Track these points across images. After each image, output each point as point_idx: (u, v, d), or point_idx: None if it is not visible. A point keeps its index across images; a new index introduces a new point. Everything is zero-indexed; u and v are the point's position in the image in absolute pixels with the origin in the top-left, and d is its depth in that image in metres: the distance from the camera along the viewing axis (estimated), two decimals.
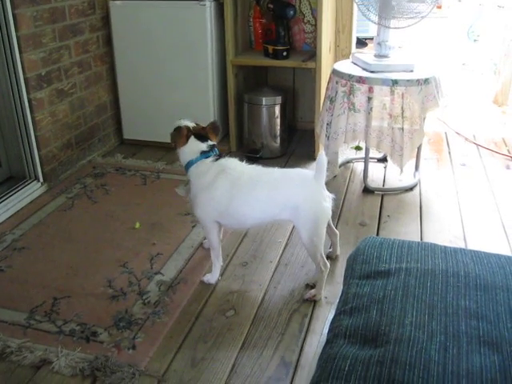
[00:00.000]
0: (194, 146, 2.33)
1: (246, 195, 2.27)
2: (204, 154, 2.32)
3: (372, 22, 3.10)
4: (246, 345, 2.08)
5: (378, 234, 2.84)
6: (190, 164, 2.34)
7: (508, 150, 3.95)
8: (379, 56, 3.20)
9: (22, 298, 2.34)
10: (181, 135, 2.32)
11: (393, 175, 3.51)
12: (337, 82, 3.15)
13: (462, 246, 2.71)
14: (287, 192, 2.26)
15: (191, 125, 2.35)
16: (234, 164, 2.33)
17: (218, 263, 2.47)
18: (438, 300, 1.38)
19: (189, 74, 3.73)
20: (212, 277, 2.46)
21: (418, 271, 1.50)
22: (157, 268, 2.54)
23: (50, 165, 3.39)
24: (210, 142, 2.35)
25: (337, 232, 2.60)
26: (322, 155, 2.19)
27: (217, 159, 2.32)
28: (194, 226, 2.88)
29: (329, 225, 2.46)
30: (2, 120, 3.18)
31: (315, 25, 3.75)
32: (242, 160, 2.39)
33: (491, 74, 5.99)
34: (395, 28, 3.08)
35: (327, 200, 2.26)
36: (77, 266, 2.57)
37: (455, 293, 1.40)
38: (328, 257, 2.54)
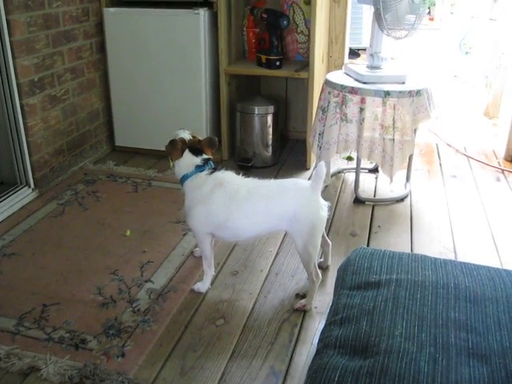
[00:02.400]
0: (188, 160, 2.32)
1: (244, 208, 2.27)
2: (199, 168, 2.32)
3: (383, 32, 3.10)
4: (235, 354, 2.08)
5: (368, 245, 2.85)
6: (185, 177, 2.34)
7: (498, 163, 3.98)
8: (372, 67, 3.22)
9: (11, 305, 2.32)
10: (175, 149, 2.31)
11: (384, 186, 3.52)
12: (329, 93, 3.16)
13: (452, 257, 2.72)
14: (284, 203, 2.26)
15: (188, 137, 2.35)
16: (230, 177, 2.33)
17: (209, 272, 2.47)
18: (428, 311, 1.38)
19: (182, 82, 3.73)
20: (203, 286, 2.46)
21: (409, 282, 1.50)
22: (147, 276, 2.54)
23: (42, 171, 3.38)
24: (205, 156, 2.34)
25: (329, 242, 2.62)
26: (321, 165, 2.20)
27: (212, 172, 2.32)
28: (184, 234, 2.88)
29: (322, 234, 2.47)
30: None
31: (308, 35, 3.76)
32: (238, 173, 2.39)
33: (483, 86, 6.02)
34: (393, 37, 3.09)
35: (324, 209, 2.28)
36: (67, 272, 2.56)
37: (445, 304, 1.41)
38: (319, 266, 2.54)
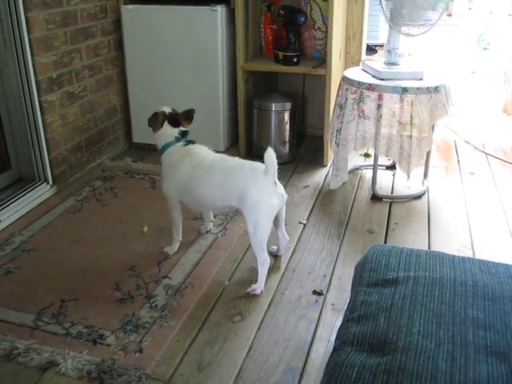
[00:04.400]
0: (167, 131, 2.58)
1: (202, 178, 2.46)
2: (177, 140, 2.56)
3: (399, 32, 3.10)
4: (252, 350, 2.08)
5: (385, 242, 2.84)
6: (164, 148, 2.58)
7: None
8: (389, 63, 3.20)
9: (29, 300, 2.34)
10: (157, 120, 2.58)
11: (401, 183, 3.51)
12: (347, 89, 3.15)
13: (470, 255, 2.71)
14: (236, 180, 2.40)
15: (168, 110, 2.62)
16: (200, 149, 2.55)
17: (177, 238, 2.72)
18: (446, 309, 1.38)
19: (199, 78, 3.74)
20: (171, 249, 2.71)
21: (426, 280, 1.50)
22: (164, 272, 2.55)
23: (60, 167, 3.41)
24: (182, 128, 2.60)
25: (287, 237, 2.67)
26: (269, 150, 2.30)
27: (186, 144, 2.56)
28: (206, 232, 2.89)
29: (280, 227, 2.58)
30: (13, 122, 3.20)
31: (326, 31, 3.76)
32: (209, 148, 2.59)
33: (501, 82, 5.97)
34: (406, 35, 3.08)
35: (275, 196, 2.35)
36: (85, 268, 2.58)
37: (463, 302, 1.40)
38: (271, 254, 2.65)
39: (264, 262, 2.41)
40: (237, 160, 2.51)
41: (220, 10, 3.53)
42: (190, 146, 2.55)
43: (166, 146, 2.57)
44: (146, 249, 2.74)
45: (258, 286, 2.41)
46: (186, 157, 2.51)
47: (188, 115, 2.63)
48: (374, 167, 3.31)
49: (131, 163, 3.81)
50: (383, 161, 3.63)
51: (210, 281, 2.49)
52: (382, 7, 3.04)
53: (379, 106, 3.03)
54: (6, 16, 2.94)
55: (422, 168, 3.45)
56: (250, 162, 2.49)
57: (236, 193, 2.37)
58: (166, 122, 2.58)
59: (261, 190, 2.33)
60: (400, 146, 3.08)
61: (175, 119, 2.59)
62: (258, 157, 3.68)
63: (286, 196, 2.44)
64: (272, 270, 2.58)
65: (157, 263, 2.62)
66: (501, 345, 1.27)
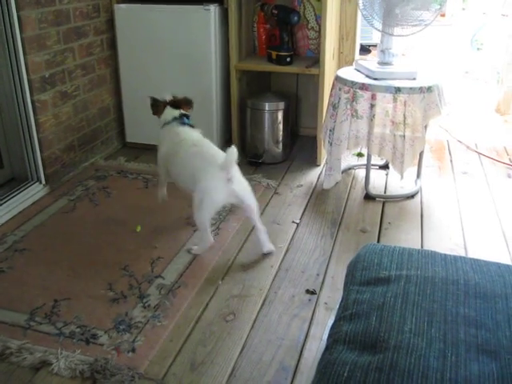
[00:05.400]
0: (169, 113, 2.87)
1: (175, 156, 2.71)
2: (175, 120, 2.84)
3: (376, 29, 3.12)
4: (245, 349, 2.08)
5: (378, 241, 2.85)
6: (164, 125, 2.87)
7: (509, 159, 3.95)
8: (382, 63, 3.21)
9: (22, 300, 2.34)
10: (158, 108, 2.91)
11: (394, 182, 3.51)
12: (340, 89, 3.16)
13: (463, 254, 2.72)
14: (193, 167, 2.58)
15: (169, 98, 2.92)
16: (188, 131, 2.79)
17: (160, 192, 3.04)
18: (438, 307, 1.38)
19: (192, 78, 3.74)
20: (160, 194, 3.04)
21: (418, 278, 1.50)
22: (157, 271, 2.55)
23: (53, 167, 3.40)
24: (182, 111, 2.88)
25: (260, 227, 2.68)
26: (232, 148, 2.40)
27: (179, 124, 2.82)
28: (195, 231, 2.89)
29: (252, 219, 2.65)
30: (5, 121, 3.19)
31: (319, 31, 3.76)
32: (198, 131, 2.82)
33: (494, 82, 5.99)
34: (399, 36, 3.09)
35: (222, 192, 2.47)
36: (78, 268, 2.58)
37: (454, 300, 1.41)
38: (264, 254, 2.70)
39: (204, 243, 2.64)
40: (208, 147, 2.67)
41: (213, 10, 3.53)
42: (182, 127, 2.81)
43: (165, 124, 2.86)
44: (139, 248, 2.74)
45: (196, 250, 2.68)
46: (172, 134, 2.78)
47: (187, 102, 2.94)
48: (367, 167, 3.32)
49: (124, 163, 3.81)
50: (376, 160, 3.64)
51: (203, 280, 2.50)
52: (360, 10, 3.06)
53: (372, 106, 3.04)
54: None
55: (415, 168, 3.45)
56: (218, 153, 2.59)
57: (191, 178, 2.55)
58: (167, 107, 2.88)
59: (208, 183, 2.47)
60: (393, 146, 3.09)
61: (176, 104, 2.90)
62: (252, 157, 3.71)
63: (243, 195, 2.52)
64: (265, 268, 2.59)
65: (150, 263, 2.62)
66: (492, 343, 1.27)
